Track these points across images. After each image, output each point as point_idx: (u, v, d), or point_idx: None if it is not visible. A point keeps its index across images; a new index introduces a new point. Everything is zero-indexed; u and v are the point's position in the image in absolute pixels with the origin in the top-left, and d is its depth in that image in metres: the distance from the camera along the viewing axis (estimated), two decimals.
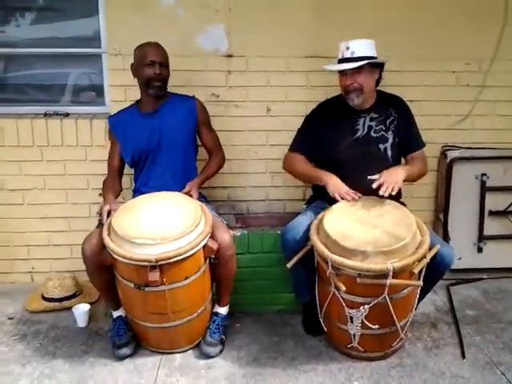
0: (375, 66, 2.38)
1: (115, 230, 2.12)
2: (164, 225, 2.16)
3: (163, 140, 2.50)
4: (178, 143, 2.52)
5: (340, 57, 2.37)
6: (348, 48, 2.33)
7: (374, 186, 2.24)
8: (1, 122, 2.85)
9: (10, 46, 2.90)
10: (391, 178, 2.24)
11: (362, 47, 2.33)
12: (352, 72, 2.33)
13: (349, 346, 2.26)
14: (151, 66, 2.42)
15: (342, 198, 2.29)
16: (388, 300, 2.06)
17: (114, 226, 2.15)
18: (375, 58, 2.35)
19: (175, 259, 2.07)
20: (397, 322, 2.15)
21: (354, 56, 2.32)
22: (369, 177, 2.28)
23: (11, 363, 2.27)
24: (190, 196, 2.38)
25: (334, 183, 2.33)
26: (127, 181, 2.77)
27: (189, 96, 2.62)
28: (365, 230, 2.15)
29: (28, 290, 2.89)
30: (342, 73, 2.39)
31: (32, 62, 2.98)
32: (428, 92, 2.94)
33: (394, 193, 2.22)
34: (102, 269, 2.24)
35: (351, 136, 2.44)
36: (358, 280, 2.03)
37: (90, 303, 2.68)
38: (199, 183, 2.49)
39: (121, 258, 2.07)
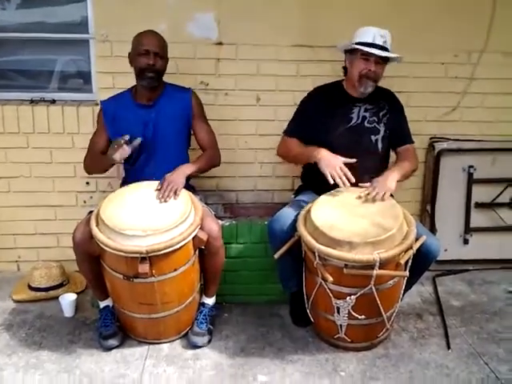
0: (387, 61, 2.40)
1: (104, 220, 2.10)
2: (154, 216, 2.14)
3: (157, 133, 2.44)
4: (172, 137, 2.46)
5: (371, 41, 2.30)
6: (382, 36, 2.32)
7: (363, 194, 2.25)
8: None
9: None
10: (383, 186, 2.25)
11: (389, 39, 2.34)
12: (378, 61, 2.33)
13: (336, 337, 2.27)
14: (145, 55, 2.35)
15: (335, 184, 2.24)
16: (374, 290, 2.07)
17: (102, 216, 2.12)
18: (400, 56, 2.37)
19: (166, 251, 2.05)
20: (383, 313, 2.17)
21: (386, 46, 2.32)
22: (360, 184, 2.29)
23: None
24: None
25: (326, 159, 2.27)
26: (114, 169, 2.72)
27: (185, 88, 2.56)
28: (352, 220, 2.15)
29: (14, 279, 2.86)
30: (364, 57, 2.33)
31: (18, 47, 2.92)
32: (416, 83, 2.94)
33: (385, 198, 2.22)
34: (91, 258, 2.22)
35: (345, 124, 2.44)
36: (345, 271, 2.03)
37: (77, 293, 2.66)
38: (187, 173, 2.37)
39: (110, 250, 2.05)
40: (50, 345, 2.31)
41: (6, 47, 2.92)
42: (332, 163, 2.26)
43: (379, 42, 2.31)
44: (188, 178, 2.56)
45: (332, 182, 2.23)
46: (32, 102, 2.85)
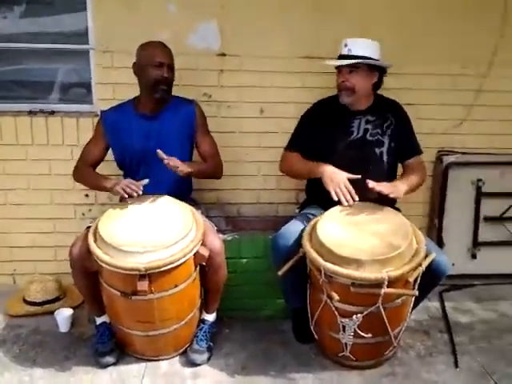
0: (374, 69, 2.33)
1: (102, 236, 2.04)
2: (153, 231, 2.08)
3: (159, 145, 2.35)
4: (174, 149, 2.39)
5: (340, 53, 2.34)
6: (346, 45, 2.31)
7: (370, 185, 2.16)
8: None
9: None
10: (393, 188, 2.19)
11: (361, 46, 2.29)
12: (347, 70, 2.30)
13: (340, 355, 2.19)
14: (159, 67, 2.31)
15: (338, 201, 2.19)
16: (382, 309, 1.99)
17: (100, 231, 2.06)
18: (372, 59, 2.29)
19: (166, 268, 1.99)
20: (390, 331, 2.09)
21: (350, 54, 2.28)
22: (367, 181, 2.20)
23: None
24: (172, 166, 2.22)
25: (330, 175, 2.22)
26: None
27: (189, 100, 2.51)
28: (359, 237, 2.08)
29: (9, 292, 2.79)
30: (338, 70, 2.36)
31: (17, 57, 2.87)
32: (424, 95, 2.89)
33: (391, 195, 2.16)
34: (88, 274, 2.16)
35: (346, 138, 2.39)
36: (352, 289, 1.96)
37: (74, 307, 2.59)
38: (188, 167, 2.28)
39: (108, 266, 1.99)
40: (44, 361, 2.24)
41: (4, 57, 2.87)
42: (336, 180, 2.21)
43: (344, 51, 2.31)
44: (190, 191, 2.50)
45: (336, 199, 2.18)
46: (30, 112, 2.80)
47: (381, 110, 2.43)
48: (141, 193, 2.21)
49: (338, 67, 2.36)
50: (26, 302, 2.63)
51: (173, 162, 2.22)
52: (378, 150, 2.39)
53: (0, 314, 2.61)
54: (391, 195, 2.17)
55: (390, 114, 2.43)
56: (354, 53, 2.28)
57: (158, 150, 2.23)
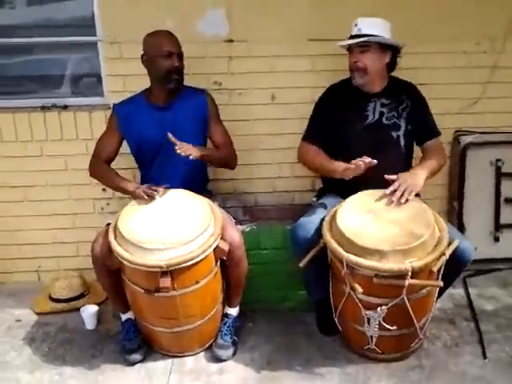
0: (386, 48, 2.28)
1: (122, 233, 2.04)
2: (173, 227, 2.08)
3: (174, 136, 2.33)
4: (189, 140, 2.35)
5: (351, 33, 2.29)
6: (356, 25, 2.26)
7: (388, 191, 2.13)
8: None
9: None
10: (410, 181, 2.14)
11: (371, 25, 2.25)
12: (359, 50, 2.26)
13: (366, 348, 2.18)
14: (169, 57, 2.28)
15: (359, 186, 2.16)
16: (406, 300, 1.97)
17: (120, 229, 2.06)
18: (384, 37, 2.24)
19: (186, 264, 1.99)
20: (415, 323, 2.07)
21: (361, 33, 2.23)
22: (386, 176, 2.17)
23: (20, 370, 2.22)
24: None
25: (342, 168, 2.17)
26: (129, 176, 2.66)
27: (200, 89, 2.49)
28: (380, 226, 2.05)
29: (34, 289, 2.82)
30: (349, 50, 2.32)
31: (26, 49, 2.86)
32: (438, 74, 2.80)
33: (410, 197, 2.11)
34: (111, 271, 2.17)
35: (362, 122, 2.35)
36: (375, 280, 1.94)
37: (99, 303, 2.63)
38: (200, 151, 2.26)
39: (129, 264, 2.00)
40: (72, 359, 2.28)
41: (13, 49, 2.86)
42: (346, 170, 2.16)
43: (354, 31, 2.27)
44: (206, 182, 2.49)
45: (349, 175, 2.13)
46: (43, 108, 2.78)
47: (395, 93, 2.37)
48: (161, 193, 2.22)
49: (349, 47, 2.31)
50: (51, 299, 2.67)
51: (183, 147, 2.19)
52: (394, 134, 2.35)
53: (28, 312, 2.65)
54: (410, 196, 2.11)
55: (405, 96, 2.38)
56: (364, 32, 2.23)
57: (169, 134, 2.21)
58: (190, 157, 2.18)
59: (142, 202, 2.24)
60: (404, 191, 2.12)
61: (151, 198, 2.21)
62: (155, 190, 2.22)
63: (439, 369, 2.16)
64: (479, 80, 2.84)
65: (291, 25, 2.69)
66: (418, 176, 2.19)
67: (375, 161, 2.10)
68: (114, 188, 2.44)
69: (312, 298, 2.42)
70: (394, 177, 2.17)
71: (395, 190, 2.13)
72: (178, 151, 2.16)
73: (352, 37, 2.28)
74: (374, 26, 2.24)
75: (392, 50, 2.31)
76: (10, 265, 2.96)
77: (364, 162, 2.09)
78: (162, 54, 2.28)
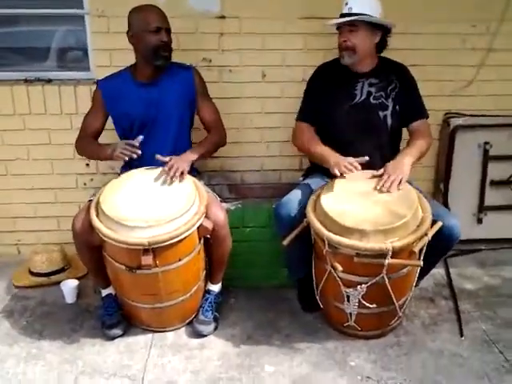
0: (376, 28, 2.25)
1: (104, 210, 2.02)
2: (156, 205, 2.05)
3: (160, 114, 2.32)
4: (175, 117, 2.35)
5: (340, 12, 2.26)
6: (347, 4, 2.23)
7: (378, 186, 2.11)
8: None
9: None
10: (397, 172, 2.13)
11: (362, 4, 2.21)
12: (348, 30, 2.23)
13: (345, 325, 2.20)
14: (157, 33, 2.22)
15: (342, 175, 2.15)
16: (386, 279, 1.98)
17: (102, 206, 2.04)
18: (373, 17, 2.20)
19: (169, 242, 1.97)
20: (395, 301, 2.08)
21: (351, 12, 2.20)
22: (372, 173, 2.17)
23: None
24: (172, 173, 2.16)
25: (336, 161, 2.17)
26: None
27: (186, 65, 2.44)
28: (364, 206, 2.05)
29: (15, 262, 2.81)
30: (338, 30, 2.29)
31: (11, 21, 2.78)
32: (431, 56, 2.78)
33: (400, 187, 2.10)
34: (92, 247, 2.15)
35: (349, 101, 2.33)
36: (356, 259, 1.95)
37: (79, 278, 2.61)
38: (192, 159, 2.27)
39: (111, 241, 1.97)
40: (51, 333, 2.26)
41: None
42: (341, 162, 2.15)
43: (344, 10, 2.24)
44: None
45: (338, 174, 2.13)
46: (26, 81, 2.72)
47: (385, 73, 2.36)
48: (140, 152, 2.17)
49: (339, 27, 2.28)
50: (31, 273, 2.65)
51: (173, 168, 2.15)
52: (381, 114, 2.34)
53: (7, 286, 2.63)
54: (400, 186, 2.10)
55: (394, 77, 2.36)
56: (354, 11, 2.20)
57: (158, 156, 2.19)
58: (185, 173, 2.17)
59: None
60: (392, 182, 2.10)
61: (131, 159, 2.17)
62: (134, 152, 2.16)
63: (417, 346, 2.18)
64: (473, 63, 2.82)
65: (284, 2, 2.64)
66: (403, 163, 2.17)
67: (367, 158, 2.14)
68: (97, 157, 2.42)
69: (293, 275, 2.43)
70: (380, 171, 2.17)
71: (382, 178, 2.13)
72: (170, 175, 2.14)
73: (342, 15, 2.25)
74: (365, 5, 2.21)
75: (382, 30, 2.28)
76: None
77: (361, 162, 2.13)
78: (150, 29, 2.22)
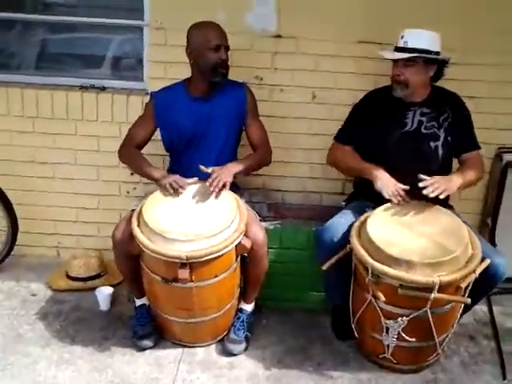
0: (431, 62, 2.20)
1: (146, 221, 2.02)
2: (197, 220, 2.05)
3: (209, 129, 2.33)
4: (224, 133, 2.35)
5: (395, 45, 2.23)
6: (402, 37, 2.19)
7: (421, 184, 2.07)
8: (36, 93, 2.76)
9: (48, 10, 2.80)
10: (444, 182, 2.08)
11: (418, 38, 2.17)
12: (403, 64, 2.19)
13: (381, 357, 2.13)
14: (216, 50, 2.23)
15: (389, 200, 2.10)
16: (429, 314, 1.91)
17: (144, 216, 2.05)
18: (430, 52, 2.16)
19: (207, 258, 1.96)
20: (436, 337, 2.01)
21: (407, 47, 2.16)
22: (420, 175, 2.10)
23: (31, 344, 2.23)
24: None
25: (383, 179, 2.15)
26: (159, 162, 2.65)
27: (239, 83, 2.44)
28: (411, 237, 1.99)
29: (53, 264, 2.85)
30: (394, 62, 2.25)
31: (69, 29, 2.87)
32: (486, 88, 2.68)
33: (441, 196, 2.05)
34: (130, 257, 2.15)
35: (399, 129, 2.28)
36: (400, 291, 1.88)
37: (114, 285, 2.62)
38: (234, 172, 2.24)
39: (150, 252, 1.98)
40: (83, 339, 2.27)
41: (56, 30, 2.88)
42: (390, 183, 2.13)
43: (400, 44, 2.20)
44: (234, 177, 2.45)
45: (388, 197, 2.10)
46: (82, 87, 2.79)
47: (438, 103, 2.30)
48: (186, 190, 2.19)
49: (395, 60, 2.24)
50: (68, 276, 2.68)
51: (216, 180, 2.15)
52: (432, 144, 2.28)
53: (44, 287, 2.66)
54: (442, 196, 2.05)
55: (447, 107, 2.30)
56: (410, 45, 2.16)
57: (201, 167, 2.20)
58: (227, 186, 2.17)
59: (168, 192, 2.22)
60: (436, 188, 2.05)
61: (176, 192, 2.17)
62: (181, 187, 2.17)
63: None
64: None
65: (341, 25, 2.61)
66: (452, 180, 2.14)
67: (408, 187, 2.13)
68: (141, 174, 2.39)
69: (331, 302, 2.37)
70: (427, 178, 2.10)
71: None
72: (212, 188, 2.13)
73: (397, 49, 2.21)
74: (421, 39, 2.17)
75: (438, 63, 2.24)
76: (32, 238, 2.97)
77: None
78: (210, 46, 2.23)
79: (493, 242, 2.79)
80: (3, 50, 2.91)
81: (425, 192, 2.05)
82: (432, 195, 2.04)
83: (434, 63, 2.21)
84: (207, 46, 2.22)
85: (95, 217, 2.94)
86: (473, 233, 2.07)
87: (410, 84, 2.20)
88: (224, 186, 2.15)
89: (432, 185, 2.06)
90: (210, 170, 2.20)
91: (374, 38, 2.60)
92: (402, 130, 2.28)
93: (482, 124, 2.47)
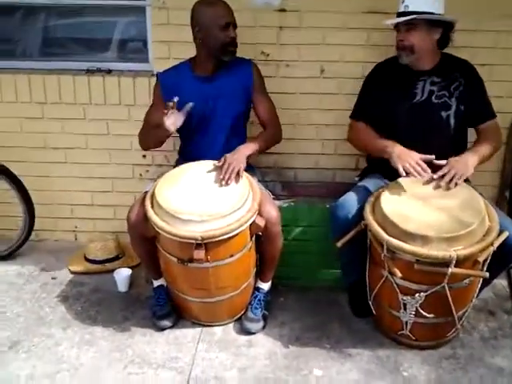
0: (435, 25, 2.13)
1: (159, 202, 2.02)
2: (210, 200, 2.04)
3: (217, 107, 2.30)
4: (232, 112, 2.32)
5: (398, 10, 2.17)
6: (403, 1, 2.12)
7: (436, 176, 2.04)
8: (43, 78, 2.75)
9: None
10: (460, 167, 2.04)
11: (419, 1, 2.09)
12: (405, 29, 2.13)
13: (399, 333, 2.12)
14: (226, 28, 2.19)
15: (407, 173, 2.02)
16: (447, 289, 1.90)
17: (157, 198, 2.05)
18: (432, 13, 2.09)
19: (222, 237, 1.96)
20: (454, 313, 1.99)
21: (407, 10, 2.10)
22: (435, 161, 2.06)
23: (53, 326, 2.27)
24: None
25: (399, 154, 2.07)
26: (169, 142, 2.62)
27: (245, 59, 2.40)
28: (427, 212, 1.96)
29: (71, 248, 2.89)
30: (396, 28, 2.19)
31: (73, 13, 2.84)
32: (501, 55, 2.60)
33: (459, 182, 2.02)
34: (146, 239, 2.16)
35: (409, 100, 2.23)
36: (416, 266, 1.86)
37: (133, 266, 2.65)
38: (246, 154, 2.20)
39: (165, 234, 1.98)
40: (104, 320, 2.31)
41: (60, 11, 2.84)
42: (406, 157, 2.05)
43: (401, 9, 2.14)
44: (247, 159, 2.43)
45: (404, 174, 2.02)
46: (88, 71, 2.77)
47: (448, 70, 2.23)
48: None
49: (396, 25, 2.18)
50: (86, 259, 2.71)
51: (229, 170, 2.11)
52: (444, 114, 2.22)
53: (64, 271, 2.70)
54: (460, 181, 2.03)
55: (458, 74, 2.23)
56: (411, 9, 2.09)
57: (213, 162, 2.18)
58: (241, 172, 2.14)
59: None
60: (453, 176, 2.03)
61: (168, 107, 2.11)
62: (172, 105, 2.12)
63: (474, 361, 2.07)
64: None
65: None
66: (467, 161, 2.08)
67: (433, 156, 2.05)
68: (156, 136, 2.30)
69: (347, 279, 2.36)
70: (443, 162, 2.07)
71: (444, 175, 2.04)
72: (226, 178, 2.10)
73: (399, 14, 2.15)
74: (422, 2, 2.10)
75: (443, 26, 2.16)
76: (50, 223, 3.02)
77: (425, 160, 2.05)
78: (220, 24, 2.18)
79: (511, 215, 2.75)
80: (8, 38, 2.89)
81: (442, 183, 2.02)
82: (451, 186, 2.01)
83: (439, 26, 2.14)
84: (217, 24, 2.17)
85: (110, 200, 2.96)
86: (490, 205, 2.04)
87: (415, 49, 2.14)
88: (238, 173, 2.13)
89: (449, 173, 2.03)
90: (221, 162, 2.16)
91: (381, 7, 2.52)
92: (412, 102, 2.23)
93: (495, 92, 2.40)
